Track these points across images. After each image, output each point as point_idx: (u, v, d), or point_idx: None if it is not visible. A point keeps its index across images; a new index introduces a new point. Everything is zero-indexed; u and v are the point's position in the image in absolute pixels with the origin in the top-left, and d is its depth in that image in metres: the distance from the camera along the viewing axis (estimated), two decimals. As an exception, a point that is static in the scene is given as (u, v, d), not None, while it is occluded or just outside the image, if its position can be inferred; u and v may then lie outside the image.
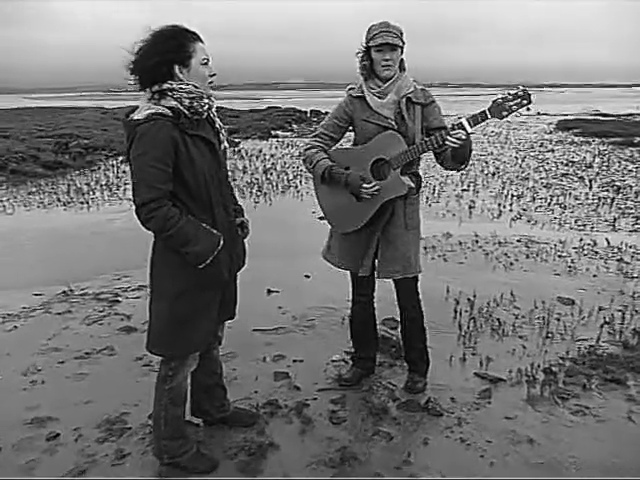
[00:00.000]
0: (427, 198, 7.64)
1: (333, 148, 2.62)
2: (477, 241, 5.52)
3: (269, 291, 4.25)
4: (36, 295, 4.25)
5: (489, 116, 2.23)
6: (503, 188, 8.38)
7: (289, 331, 3.55)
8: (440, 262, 4.92)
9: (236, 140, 15.19)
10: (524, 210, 7.01)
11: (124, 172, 10.15)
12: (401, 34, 2.39)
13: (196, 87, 1.90)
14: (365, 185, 2.40)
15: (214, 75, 1.97)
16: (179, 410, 2.17)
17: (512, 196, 7.79)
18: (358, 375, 2.87)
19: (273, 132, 18.32)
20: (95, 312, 3.89)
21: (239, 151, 12.95)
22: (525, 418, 2.56)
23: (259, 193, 8.14)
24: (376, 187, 2.40)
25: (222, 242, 1.95)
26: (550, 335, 3.42)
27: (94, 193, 8.34)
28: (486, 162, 11.03)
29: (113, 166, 11.10)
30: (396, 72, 2.44)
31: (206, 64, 1.94)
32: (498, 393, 2.78)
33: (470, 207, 7.15)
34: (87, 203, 7.64)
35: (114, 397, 2.74)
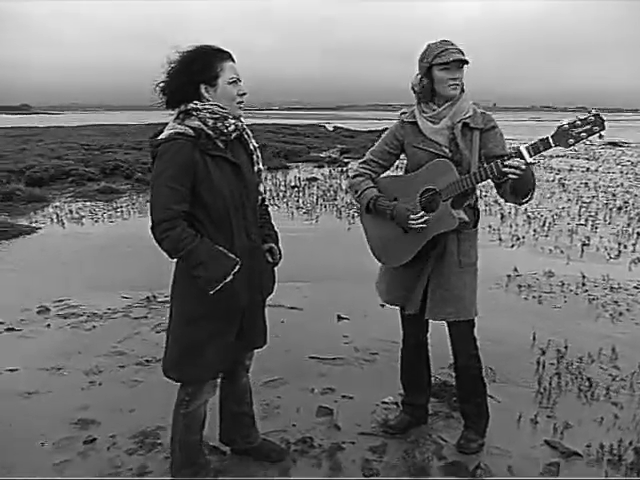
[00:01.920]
0: (534, 231, 6.98)
1: (382, 175, 2.42)
2: (584, 284, 4.86)
3: (339, 317, 4.10)
4: (124, 298, 4.52)
5: (552, 144, 1.91)
6: (629, 225, 7.39)
7: (347, 363, 3.36)
8: (533, 304, 4.40)
9: (345, 160, 15.34)
10: (651, 252, 6.09)
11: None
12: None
13: (221, 107, 1.85)
14: (412, 217, 2.18)
15: (244, 94, 1.90)
16: (195, 437, 2.10)
17: (638, 235, 6.83)
18: (405, 423, 2.60)
19: (385, 153, 18.19)
20: (167, 320, 4.01)
21: (346, 171, 13.02)
22: (597, 508, 2.11)
23: (356, 214, 8.04)
24: (424, 218, 2.16)
25: (238, 268, 1.84)
26: (653, 406, 2.84)
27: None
28: (613, 194, 9.86)
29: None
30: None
31: (234, 83, 1.87)
32: (569, 470, 2.32)
33: (584, 244, 6.37)
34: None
35: (156, 409, 2.75)
